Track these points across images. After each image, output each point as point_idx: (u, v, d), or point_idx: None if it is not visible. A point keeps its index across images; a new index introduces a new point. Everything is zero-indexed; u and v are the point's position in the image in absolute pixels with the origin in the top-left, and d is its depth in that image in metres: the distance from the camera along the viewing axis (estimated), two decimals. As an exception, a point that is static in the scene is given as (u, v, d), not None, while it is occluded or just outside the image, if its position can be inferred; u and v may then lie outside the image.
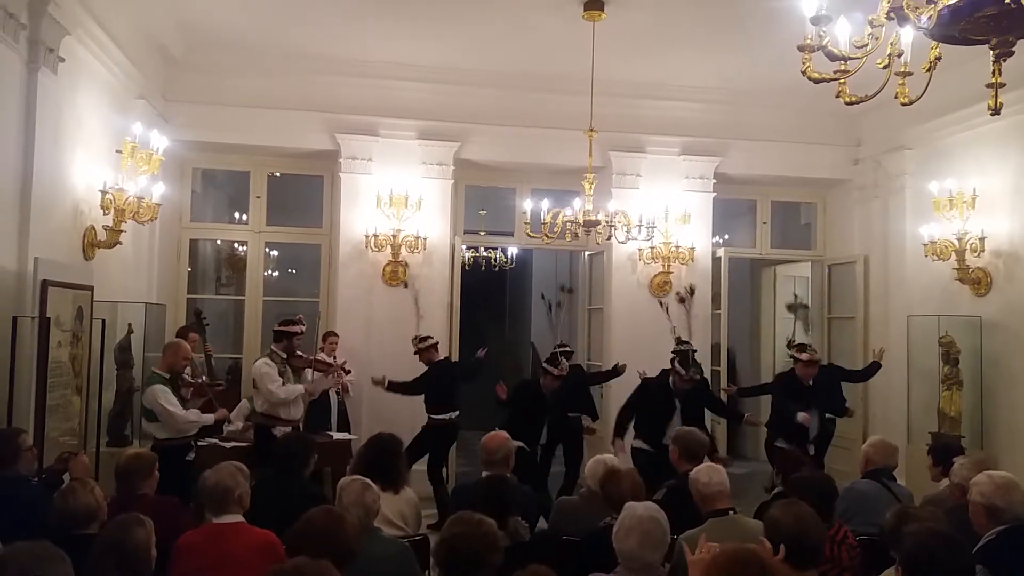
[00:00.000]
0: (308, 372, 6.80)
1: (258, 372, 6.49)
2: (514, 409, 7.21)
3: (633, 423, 7.08)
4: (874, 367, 7.76)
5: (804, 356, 7.15)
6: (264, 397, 6.50)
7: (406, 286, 8.28)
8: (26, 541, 2.50)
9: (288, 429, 6.31)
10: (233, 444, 6.40)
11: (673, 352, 7.07)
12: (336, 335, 7.87)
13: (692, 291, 8.78)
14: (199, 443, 6.10)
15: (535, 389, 7.40)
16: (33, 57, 5.15)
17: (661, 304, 8.45)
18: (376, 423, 6.98)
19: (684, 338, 7.64)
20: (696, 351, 7.35)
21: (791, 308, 11.06)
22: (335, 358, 7.58)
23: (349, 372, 7.60)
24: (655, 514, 3.16)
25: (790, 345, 9.34)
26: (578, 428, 7.87)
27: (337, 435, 7.11)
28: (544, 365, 7.39)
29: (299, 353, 6.73)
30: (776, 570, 2.42)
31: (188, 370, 6.22)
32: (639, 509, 3.18)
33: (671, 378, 6.91)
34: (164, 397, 5.73)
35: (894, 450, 4.98)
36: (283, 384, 6.47)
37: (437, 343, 7.63)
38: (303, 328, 6.87)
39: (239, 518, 3.47)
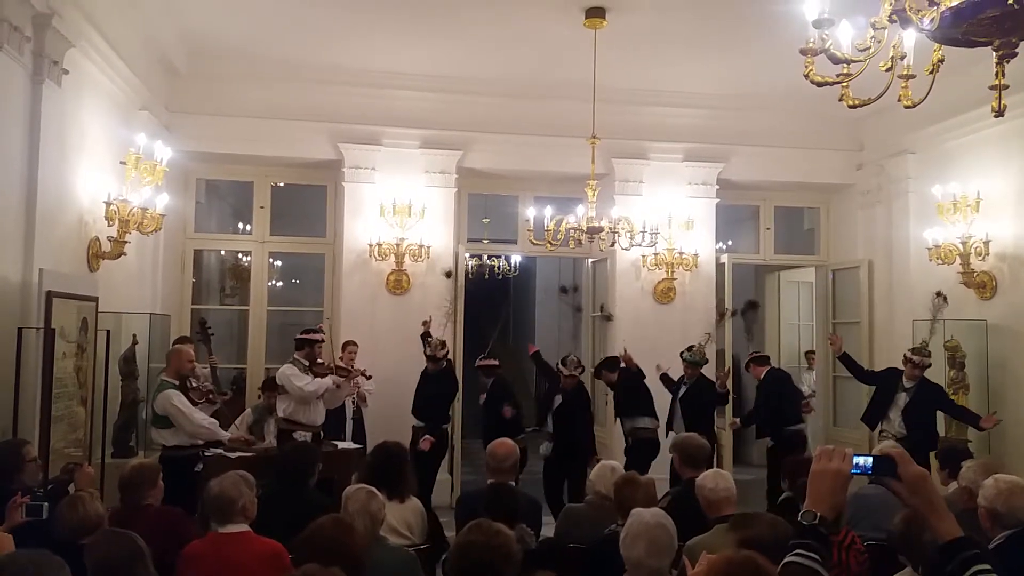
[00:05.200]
0: (330, 379, 6.83)
1: (283, 375, 6.52)
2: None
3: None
4: (969, 417, 6.92)
5: None
6: (294, 395, 6.49)
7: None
8: (27, 549, 2.49)
9: (308, 435, 6.34)
10: (239, 454, 6.39)
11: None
12: (355, 344, 7.80)
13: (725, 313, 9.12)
14: (205, 453, 6.10)
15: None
16: (37, 69, 5.18)
17: (722, 316, 8.95)
18: (382, 434, 6.97)
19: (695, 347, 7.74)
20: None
21: None
22: (352, 367, 7.57)
23: (370, 377, 7.53)
24: (662, 520, 3.14)
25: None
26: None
27: (342, 444, 7.09)
28: (561, 367, 7.61)
29: (320, 360, 6.77)
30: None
31: (192, 381, 6.25)
32: (646, 516, 3.16)
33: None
34: (178, 399, 5.83)
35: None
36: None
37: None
38: (324, 336, 6.95)
39: (244, 527, 3.46)
